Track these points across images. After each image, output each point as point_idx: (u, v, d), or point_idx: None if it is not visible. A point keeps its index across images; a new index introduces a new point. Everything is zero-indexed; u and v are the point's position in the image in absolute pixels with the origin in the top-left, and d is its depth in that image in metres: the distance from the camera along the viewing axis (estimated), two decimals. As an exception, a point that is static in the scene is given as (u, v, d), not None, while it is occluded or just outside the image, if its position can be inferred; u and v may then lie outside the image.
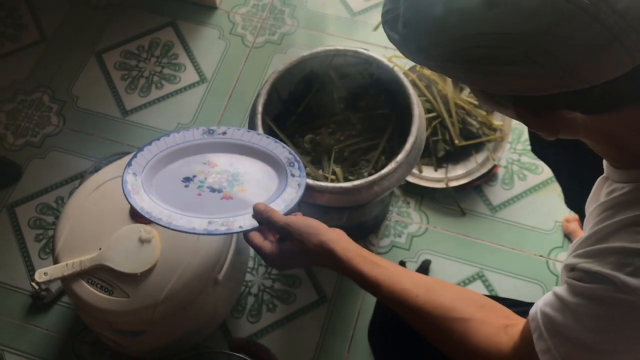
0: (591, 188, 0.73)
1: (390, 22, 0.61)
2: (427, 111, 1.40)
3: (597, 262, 0.59)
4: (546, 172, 1.48)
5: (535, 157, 1.38)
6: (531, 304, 0.67)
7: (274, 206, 0.89)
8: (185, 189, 0.95)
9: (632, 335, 0.58)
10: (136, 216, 1.07)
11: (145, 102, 1.63)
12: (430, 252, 1.40)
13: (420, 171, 1.44)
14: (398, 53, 0.65)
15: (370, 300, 1.35)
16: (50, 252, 1.41)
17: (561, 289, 0.63)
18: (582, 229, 1.37)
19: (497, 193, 1.47)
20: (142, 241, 1.05)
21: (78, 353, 1.33)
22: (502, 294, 1.35)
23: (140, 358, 1.32)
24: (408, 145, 1.08)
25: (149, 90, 1.64)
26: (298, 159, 0.99)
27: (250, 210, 0.88)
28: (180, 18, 1.75)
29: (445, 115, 1.41)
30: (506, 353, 0.69)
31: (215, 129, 1.01)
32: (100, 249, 1.05)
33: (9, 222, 1.48)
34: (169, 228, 0.88)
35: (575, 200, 1.16)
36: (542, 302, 0.65)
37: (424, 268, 1.37)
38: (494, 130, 1.44)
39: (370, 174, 1.14)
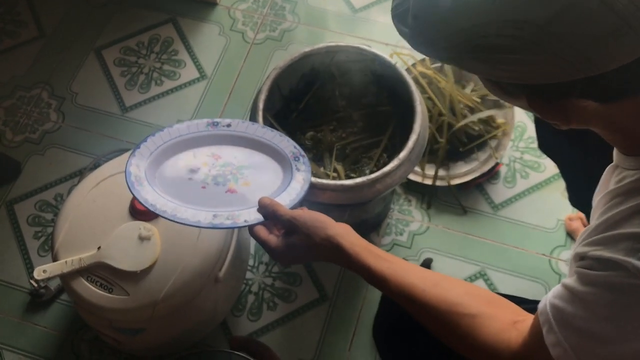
0: (597, 184, 0.73)
1: (400, 16, 0.61)
2: (429, 108, 1.39)
3: (608, 248, 0.59)
4: (549, 170, 1.47)
5: (538, 155, 1.38)
6: (537, 302, 0.66)
7: (278, 200, 0.88)
8: (189, 182, 0.94)
9: None
10: (136, 213, 1.06)
11: (145, 98, 1.62)
12: (431, 251, 1.39)
13: (422, 169, 1.43)
14: (400, 50, 0.65)
15: (372, 298, 1.34)
16: (49, 250, 1.41)
17: (570, 280, 0.62)
18: (584, 227, 1.36)
19: (499, 191, 1.46)
20: (142, 239, 1.04)
21: (77, 351, 1.32)
22: (504, 292, 1.34)
23: (140, 356, 1.31)
24: (410, 143, 1.07)
25: (149, 86, 1.64)
26: (303, 153, 0.98)
27: (255, 204, 0.88)
28: (180, 14, 1.74)
29: (448, 113, 1.40)
30: (515, 349, 0.68)
31: (219, 121, 1.00)
32: (99, 246, 1.04)
33: (8, 219, 1.47)
34: (173, 221, 0.87)
35: (580, 197, 1.16)
36: (551, 294, 0.64)
37: (426, 266, 1.36)
38: (496, 127, 1.43)
39: (372, 172, 1.13)
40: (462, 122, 1.40)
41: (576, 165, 1.08)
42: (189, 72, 1.65)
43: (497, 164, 1.43)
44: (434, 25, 0.57)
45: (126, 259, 1.03)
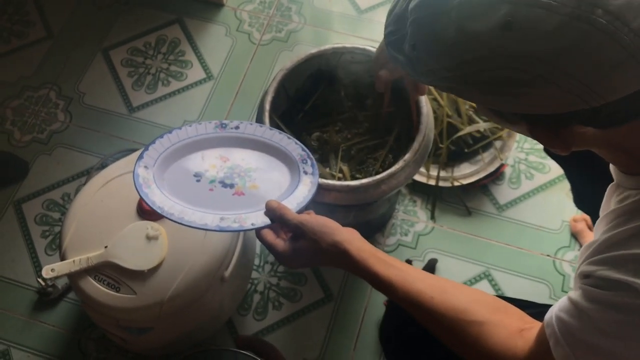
0: (602, 186, 0.73)
1: (394, 43, 0.59)
2: (435, 109, 1.40)
3: (615, 269, 0.59)
4: (553, 171, 1.47)
5: (543, 156, 1.37)
6: (543, 305, 0.66)
7: (285, 203, 0.88)
8: (197, 184, 0.94)
9: None
10: (144, 213, 1.07)
11: (152, 99, 1.63)
12: (436, 251, 1.40)
13: (427, 170, 1.44)
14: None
15: (377, 298, 1.35)
16: (57, 249, 1.42)
17: (576, 295, 0.63)
18: (590, 229, 1.36)
19: (504, 192, 1.46)
20: (149, 238, 1.05)
21: (84, 349, 1.33)
22: (509, 293, 1.35)
23: (147, 355, 1.32)
24: (416, 144, 1.07)
25: (156, 87, 1.64)
26: (311, 155, 0.97)
27: (262, 207, 0.87)
28: (187, 15, 1.74)
29: (454, 114, 1.40)
30: (521, 357, 0.69)
31: (227, 123, 0.99)
32: (107, 246, 1.05)
33: (16, 218, 1.48)
34: (180, 223, 0.87)
35: (585, 198, 1.16)
36: (557, 307, 0.65)
37: (431, 267, 1.36)
38: (501, 129, 1.44)
39: (377, 173, 1.13)
40: (467, 130, 1.39)
41: (581, 167, 1.09)
42: (195, 72, 1.66)
43: (502, 165, 1.43)
44: (434, 56, 0.55)
45: (133, 258, 1.03)
